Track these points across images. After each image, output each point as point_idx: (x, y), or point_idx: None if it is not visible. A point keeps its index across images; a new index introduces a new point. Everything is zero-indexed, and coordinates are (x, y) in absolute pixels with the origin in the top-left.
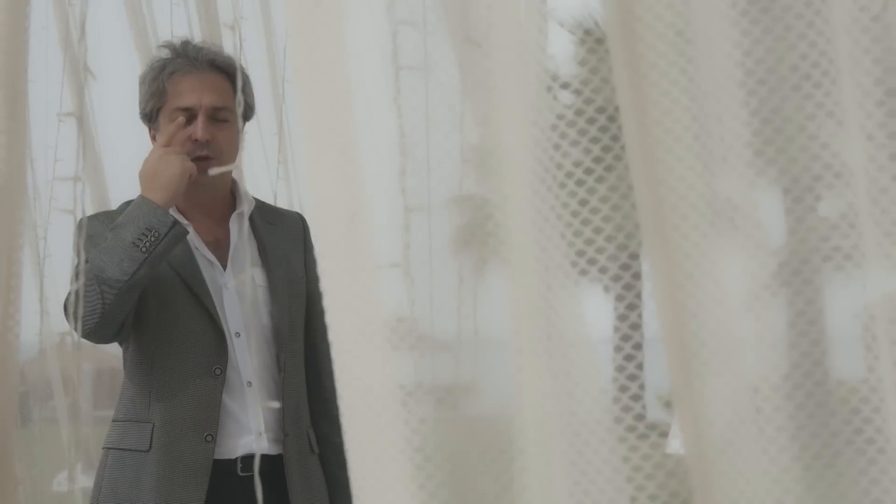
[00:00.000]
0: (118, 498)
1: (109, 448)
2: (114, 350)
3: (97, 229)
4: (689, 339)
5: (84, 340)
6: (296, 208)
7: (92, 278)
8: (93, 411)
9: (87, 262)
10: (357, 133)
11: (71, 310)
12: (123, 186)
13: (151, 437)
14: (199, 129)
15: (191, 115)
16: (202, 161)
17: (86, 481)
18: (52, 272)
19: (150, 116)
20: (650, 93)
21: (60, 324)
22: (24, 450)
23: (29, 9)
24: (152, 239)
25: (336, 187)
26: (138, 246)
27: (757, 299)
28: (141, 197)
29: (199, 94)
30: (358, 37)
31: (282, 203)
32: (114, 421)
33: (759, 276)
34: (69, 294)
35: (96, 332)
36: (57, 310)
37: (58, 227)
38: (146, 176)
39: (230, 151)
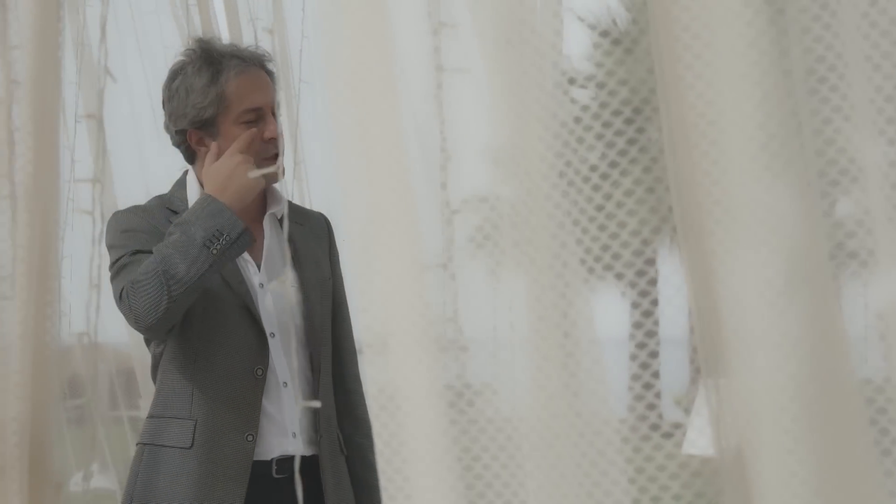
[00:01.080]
0: (155, 493)
1: (146, 444)
2: (130, 350)
3: (135, 223)
4: (708, 339)
5: (101, 340)
6: (307, 206)
7: (158, 272)
8: (109, 411)
9: (131, 254)
10: (400, 134)
11: (128, 302)
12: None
13: (194, 434)
14: (270, 127)
15: (259, 116)
16: (272, 160)
17: (103, 481)
18: (70, 273)
19: (206, 123)
20: (687, 95)
21: (78, 324)
22: None
23: (62, 13)
24: (224, 242)
25: (380, 187)
26: (209, 247)
27: (781, 297)
28: (210, 197)
29: (264, 94)
30: (399, 39)
31: (296, 202)
32: (150, 417)
33: (778, 277)
34: (124, 287)
35: (157, 325)
36: (75, 310)
37: (76, 227)
38: (219, 179)
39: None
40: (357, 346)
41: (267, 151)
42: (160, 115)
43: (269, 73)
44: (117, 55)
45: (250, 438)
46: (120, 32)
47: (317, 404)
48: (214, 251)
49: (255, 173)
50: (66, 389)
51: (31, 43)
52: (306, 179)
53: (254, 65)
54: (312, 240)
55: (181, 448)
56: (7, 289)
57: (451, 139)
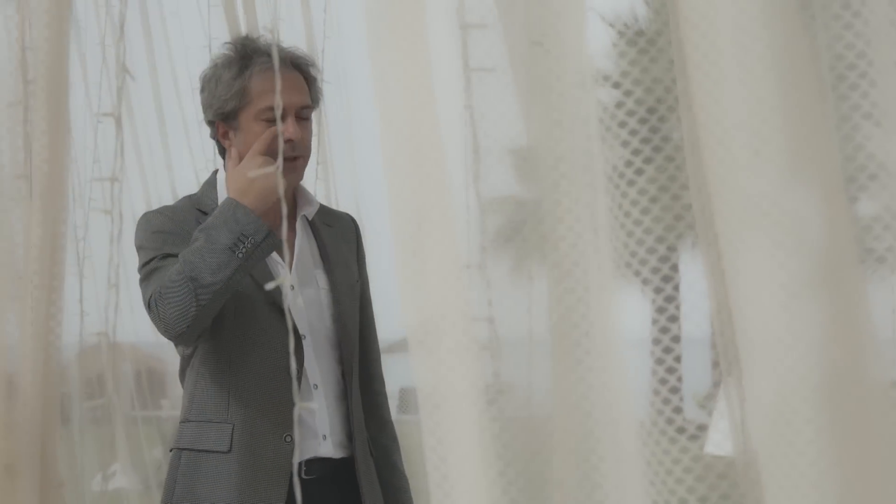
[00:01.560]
0: (196, 499)
1: (183, 449)
2: (151, 351)
3: (165, 225)
4: (728, 340)
5: (120, 340)
6: (332, 206)
7: (185, 280)
8: (129, 411)
9: (161, 257)
10: (434, 135)
11: (157, 311)
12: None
13: (232, 438)
14: (290, 128)
15: (281, 116)
16: (292, 161)
17: (122, 481)
18: (91, 273)
19: (228, 116)
20: (696, 93)
21: (98, 324)
22: (64, 450)
23: (73, 13)
24: (249, 246)
25: (414, 188)
26: (234, 251)
27: (794, 299)
28: (233, 201)
29: (287, 94)
30: (431, 40)
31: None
32: (186, 422)
33: (796, 277)
34: (153, 295)
35: (188, 333)
36: (95, 310)
37: (96, 227)
38: (241, 182)
39: (310, 151)
40: (394, 346)
41: (285, 153)
42: (187, 115)
43: (308, 76)
44: (142, 55)
45: (288, 439)
46: (146, 32)
47: (314, 406)
48: (240, 255)
49: (255, 173)
50: (85, 389)
51: (46, 44)
52: (331, 180)
53: (285, 64)
54: (341, 241)
55: (220, 452)
56: (17, 289)
57: (479, 138)
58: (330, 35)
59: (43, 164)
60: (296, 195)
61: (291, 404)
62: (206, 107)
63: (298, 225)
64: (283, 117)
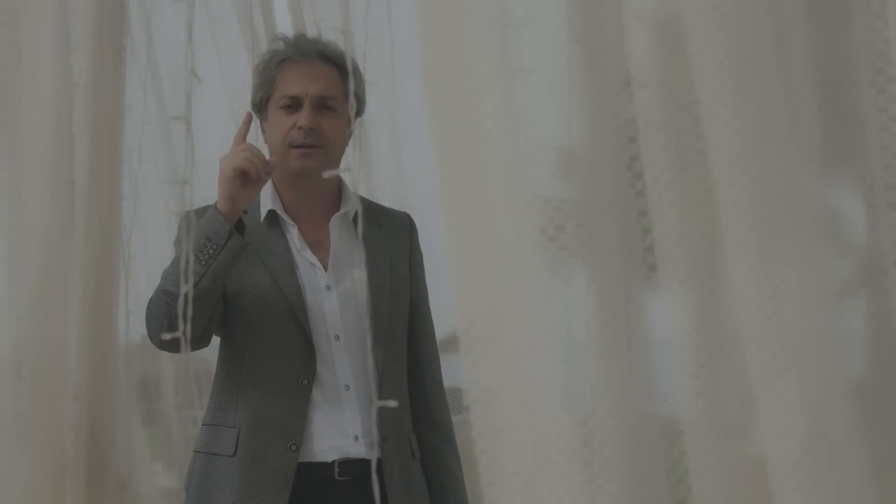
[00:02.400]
0: (205, 501)
1: (198, 451)
2: (197, 352)
3: (192, 223)
4: (768, 340)
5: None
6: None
7: (160, 291)
8: (174, 411)
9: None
10: (479, 135)
11: (144, 320)
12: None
13: (237, 443)
14: (303, 116)
15: (297, 103)
16: (307, 149)
17: (167, 480)
18: (137, 274)
19: (260, 106)
20: (719, 93)
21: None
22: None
23: (125, 15)
24: (210, 251)
25: (464, 188)
26: (199, 258)
27: (834, 299)
28: (213, 205)
29: (305, 83)
30: (473, 39)
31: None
32: (203, 424)
33: (836, 277)
34: (150, 300)
35: (170, 345)
36: (142, 310)
37: (143, 228)
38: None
39: (335, 142)
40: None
41: (295, 140)
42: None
43: (339, 67)
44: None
45: (293, 448)
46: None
47: (393, 403)
48: (203, 261)
49: (329, 174)
50: (131, 390)
51: (91, 46)
52: (374, 180)
53: (309, 55)
54: (391, 241)
55: (227, 456)
56: (63, 290)
57: (519, 138)
58: (372, 36)
59: (85, 166)
60: (340, 194)
61: (301, 413)
62: (251, 100)
63: (336, 224)
64: (300, 105)
